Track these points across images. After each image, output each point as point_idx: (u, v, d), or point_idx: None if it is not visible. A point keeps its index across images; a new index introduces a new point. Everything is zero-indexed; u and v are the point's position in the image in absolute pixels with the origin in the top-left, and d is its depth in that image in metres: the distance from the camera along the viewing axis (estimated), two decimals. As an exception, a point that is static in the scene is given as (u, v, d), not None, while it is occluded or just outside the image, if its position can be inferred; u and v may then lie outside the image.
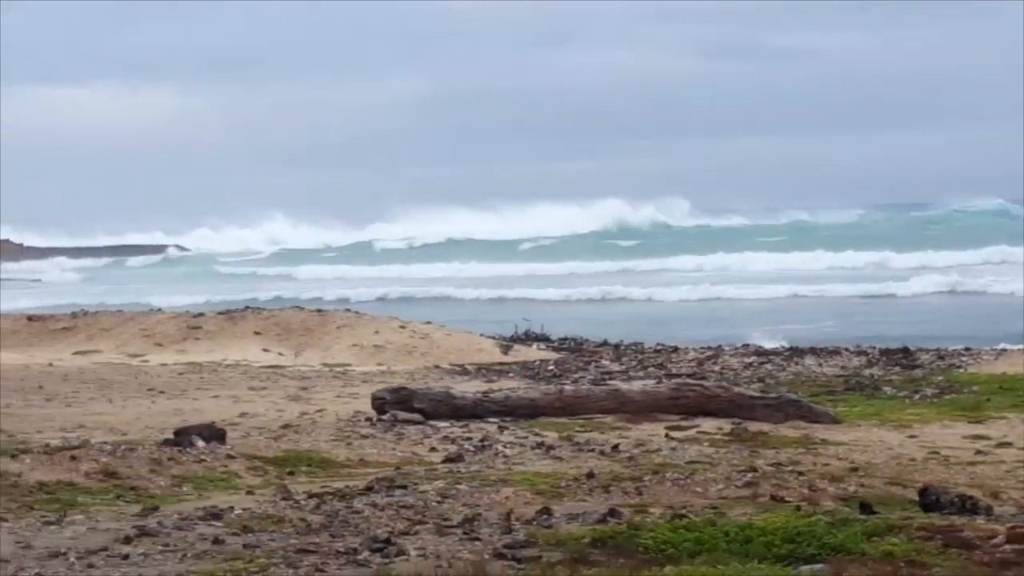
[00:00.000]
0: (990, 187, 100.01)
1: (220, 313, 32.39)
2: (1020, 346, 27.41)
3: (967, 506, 11.62)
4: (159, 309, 35.52)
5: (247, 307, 33.37)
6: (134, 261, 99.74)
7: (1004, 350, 27.32)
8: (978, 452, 15.82)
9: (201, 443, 15.30)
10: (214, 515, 11.70)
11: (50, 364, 27.57)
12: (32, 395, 22.03)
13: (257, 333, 30.29)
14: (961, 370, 25.04)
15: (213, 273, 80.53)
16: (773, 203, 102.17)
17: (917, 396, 21.55)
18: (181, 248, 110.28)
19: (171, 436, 15.61)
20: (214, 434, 15.68)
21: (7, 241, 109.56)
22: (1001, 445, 16.37)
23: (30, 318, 33.47)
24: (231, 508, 12.06)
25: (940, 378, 23.68)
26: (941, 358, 27.02)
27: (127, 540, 10.77)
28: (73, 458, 14.18)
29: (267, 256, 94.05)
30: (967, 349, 28.24)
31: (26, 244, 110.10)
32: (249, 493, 13.26)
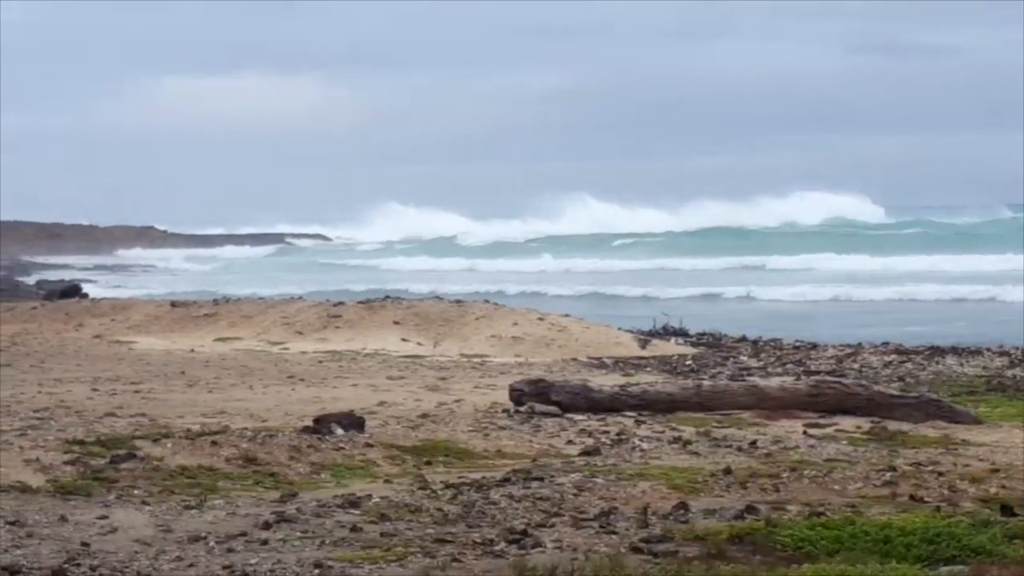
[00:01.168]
0: None
1: (360, 302, 32.65)
2: None
3: (1111, 510, 11.42)
4: (300, 297, 35.86)
5: (387, 296, 33.60)
6: (260, 250, 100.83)
7: None
8: (1124, 456, 15.52)
9: (340, 431, 15.44)
10: (352, 503, 11.83)
11: (192, 350, 27.98)
12: (174, 380, 22.38)
13: (396, 323, 30.48)
14: (1107, 371, 24.57)
15: (315, 264, 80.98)
16: (918, 201, 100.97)
17: (1061, 398, 21.17)
18: (323, 238, 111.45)
19: (310, 423, 15.78)
20: (353, 422, 15.82)
21: (152, 228, 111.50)
22: None
23: (173, 304, 33.99)
24: (369, 496, 12.18)
25: (1085, 379, 23.25)
26: (1086, 359, 26.53)
27: (266, 526, 10.92)
28: (214, 443, 14.40)
29: (381, 247, 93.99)
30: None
31: (170, 231, 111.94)
32: (387, 482, 13.38)
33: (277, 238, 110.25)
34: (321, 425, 15.56)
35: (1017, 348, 28.16)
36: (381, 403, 19.51)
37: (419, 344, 29.14)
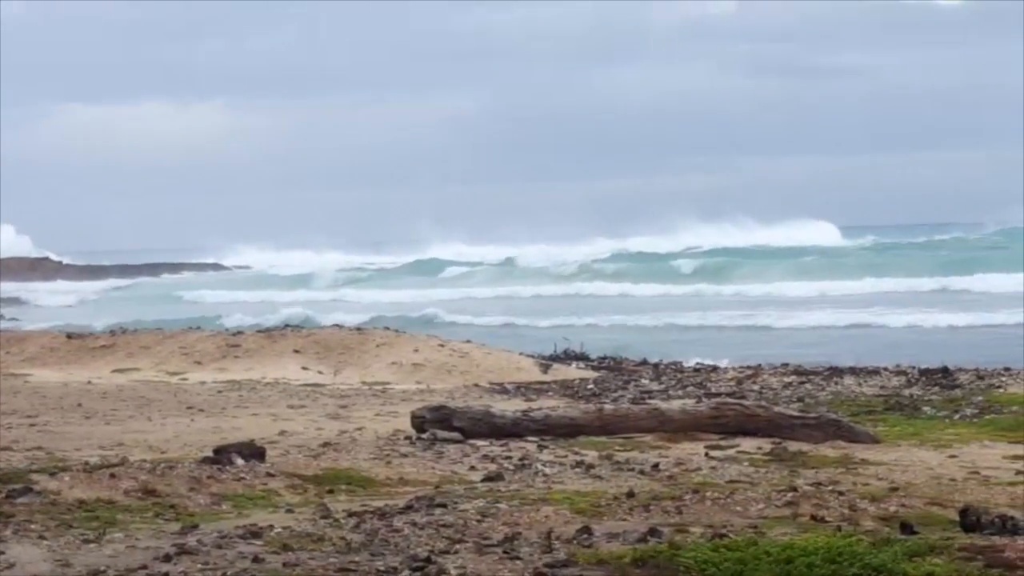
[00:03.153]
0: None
1: (259, 331, 32.49)
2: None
3: (1008, 526, 11.54)
4: (198, 327, 35.63)
5: (286, 325, 33.44)
6: (160, 279, 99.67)
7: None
8: (1018, 472, 15.71)
9: (240, 461, 15.31)
10: (254, 533, 11.72)
11: (89, 382, 27.68)
12: (71, 413, 22.11)
13: (296, 351, 30.35)
14: (1001, 390, 24.89)
15: (166, 296, 79.21)
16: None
17: (957, 416, 21.45)
18: (219, 267, 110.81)
19: (210, 454, 15.63)
20: (253, 452, 15.69)
21: (47, 259, 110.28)
22: (1042, 465, 16.27)
23: (69, 336, 33.64)
24: (271, 526, 12.07)
25: (980, 398, 23.55)
26: (980, 378, 26.87)
27: (167, 558, 10.79)
28: (112, 476, 14.22)
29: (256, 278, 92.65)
30: (1007, 369, 28.08)
31: (65, 262, 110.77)
32: (289, 511, 13.28)
33: (174, 268, 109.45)
34: (221, 456, 15.41)
35: (914, 367, 28.49)
36: (282, 432, 19.38)
37: (319, 372, 29.02)
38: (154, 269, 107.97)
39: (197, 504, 13.64)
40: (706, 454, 17.17)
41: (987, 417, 21.16)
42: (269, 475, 14.88)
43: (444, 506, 12.99)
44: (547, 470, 15.85)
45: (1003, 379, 26.48)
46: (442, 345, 30.58)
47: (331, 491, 14.52)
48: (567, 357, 32.64)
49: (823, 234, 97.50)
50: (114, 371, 29.53)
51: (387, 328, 32.91)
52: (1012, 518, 11.78)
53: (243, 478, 14.64)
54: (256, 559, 10.68)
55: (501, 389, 26.84)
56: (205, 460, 15.34)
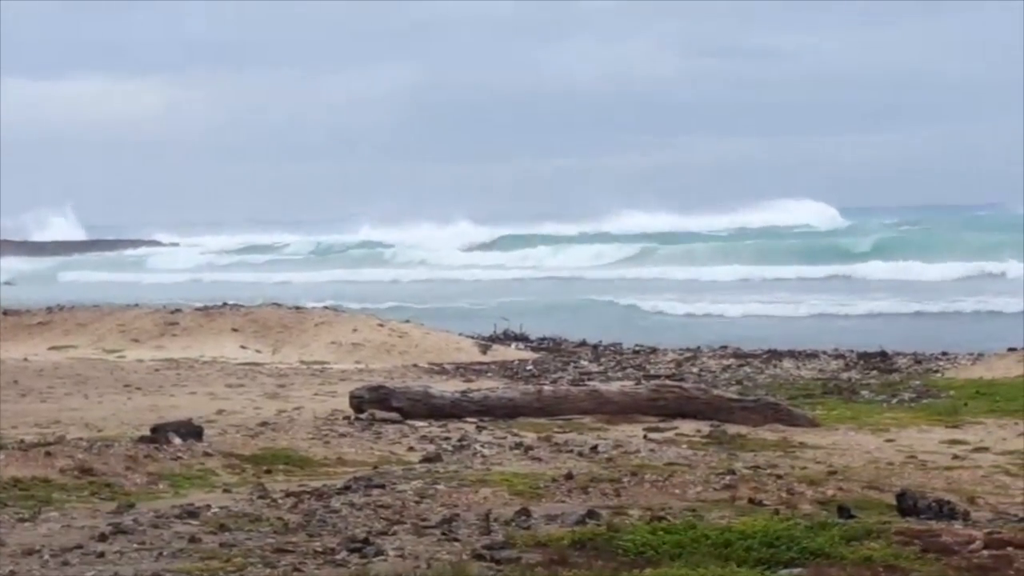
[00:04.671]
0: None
1: (197, 309, 32.29)
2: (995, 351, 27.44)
3: (944, 511, 11.60)
4: (136, 304, 35.41)
5: (225, 303, 33.26)
6: (96, 257, 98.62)
7: (981, 355, 27.35)
8: (955, 457, 15.82)
9: (178, 440, 15.22)
10: (190, 513, 11.64)
11: (25, 359, 27.46)
12: (6, 390, 21.92)
13: (235, 330, 30.20)
14: (938, 375, 25.08)
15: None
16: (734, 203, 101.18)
17: (895, 400, 21.58)
18: (157, 243, 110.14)
19: (147, 433, 15.54)
20: (191, 431, 15.60)
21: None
22: (978, 450, 16.38)
23: (5, 312, 33.34)
24: (208, 506, 12.00)
25: (917, 382, 23.72)
26: (918, 362, 27.07)
27: (102, 538, 10.70)
28: (48, 454, 14.10)
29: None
30: (944, 354, 28.28)
31: (4, 238, 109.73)
32: (226, 491, 13.20)
33: (110, 245, 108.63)
34: (158, 434, 15.32)
35: (852, 351, 28.64)
36: (220, 411, 19.29)
37: (258, 351, 28.90)
38: (90, 247, 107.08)
39: (134, 483, 13.55)
40: (645, 436, 17.19)
41: (924, 401, 21.31)
42: (206, 454, 14.80)
43: (382, 487, 12.94)
44: (486, 451, 15.83)
45: (940, 364, 26.67)
46: (381, 325, 30.51)
47: (269, 471, 14.45)
48: (507, 338, 32.63)
49: (773, 216, 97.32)
50: (51, 348, 29.31)
51: (327, 307, 32.79)
52: (949, 502, 11.85)
53: (180, 457, 14.55)
54: (193, 539, 10.61)
55: (440, 369, 26.80)
56: (142, 439, 15.24)
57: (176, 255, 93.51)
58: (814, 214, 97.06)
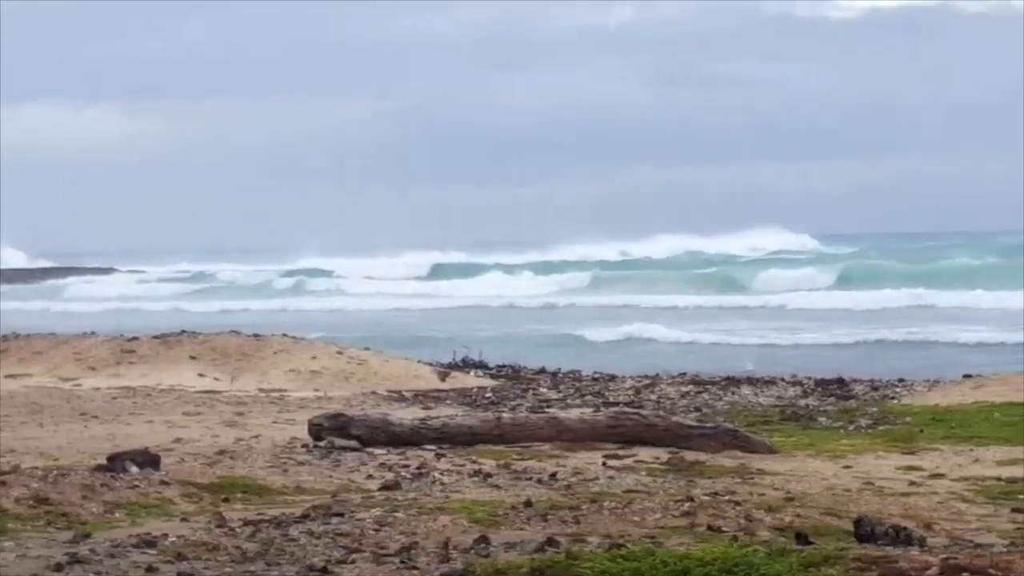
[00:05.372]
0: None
1: (155, 337, 32.14)
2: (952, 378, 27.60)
3: (901, 537, 11.65)
4: (93, 332, 35.22)
5: (183, 331, 33.12)
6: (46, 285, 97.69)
7: (937, 382, 27.51)
8: (911, 483, 15.89)
9: (135, 469, 15.15)
10: (147, 542, 11.59)
11: (-20, 388, 27.27)
12: (-37, 419, 21.77)
13: (193, 358, 30.09)
14: (895, 401, 25.20)
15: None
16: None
17: (852, 427, 21.67)
18: (111, 270, 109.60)
19: (104, 462, 15.45)
20: (148, 460, 15.53)
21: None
22: (934, 476, 16.46)
23: (-40, 340, 33.12)
24: (165, 535, 11.95)
25: (874, 409, 23.82)
26: (875, 389, 27.19)
27: (58, 568, 10.64)
28: (3, 484, 14.01)
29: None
30: (900, 380, 28.42)
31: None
32: (183, 520, 13.14)
33: (62, 272, 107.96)
34: (115, 463, 15.24)
35: (810, 378, 28.75)
36: (177, 440, 19.21)
37: (216, 379, 28.79)
38: (44, 274, 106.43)
39: (90, 512, 13.47)
40: (604, 463, 17.20)
41: (881, 428, 21.41)
42: (164, 483, 14.73)
43: (341, 515, 12.91)
44: (445, 479, 15.82)
45: (897, 390, 26.79)
46: (340, 352, 30.46)
47: (227, 499, 14.39)
48: (465, 365, 32.60)
49: (724, 245, 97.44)
50: (6, 376, 29.12)
51: (285, 335, 32.71)
52: (905, 529, 11.90)
53: (137, 486, 14.48)
54: (150, 568, 10.57)
55: (399, 397, 26.77)
56: (98, 468, 15.16)
57: (106, 283, 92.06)
58: (781, 242, 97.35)
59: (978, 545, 11.94)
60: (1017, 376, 25.52)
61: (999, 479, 16.14)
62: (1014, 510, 13.94)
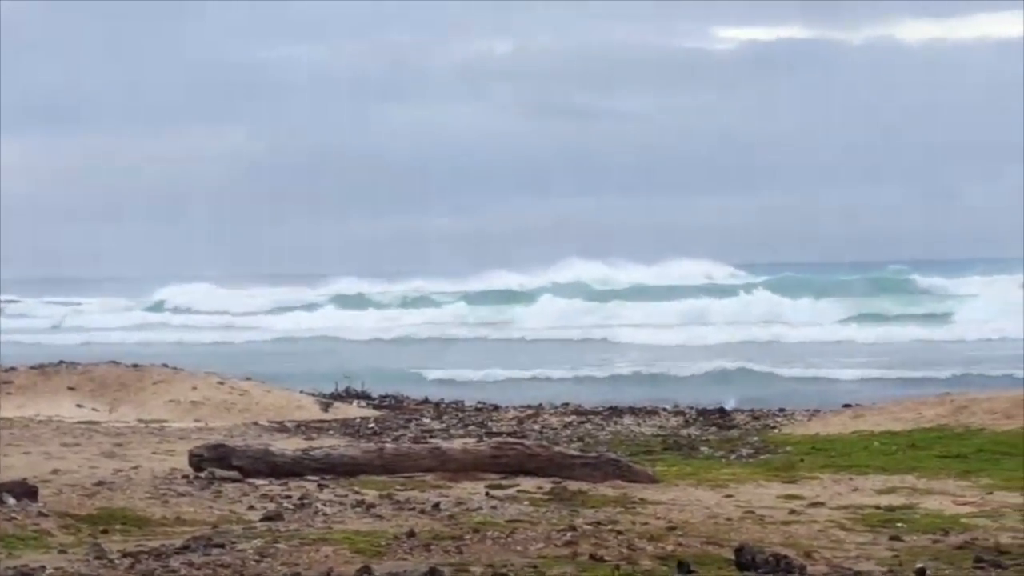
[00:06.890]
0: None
1: (32, 368, 31.71)
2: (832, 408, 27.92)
3: (781, 565, 11.77)
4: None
5: (61, 361, 32.70)
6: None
7: (817, 411, 27.81)
8: (792, 512, 16.03)
9: (11, 500, 14.94)
10: (24, 575, 11.44)
11: None
12: None
13: (71, 388, 29.72)
14: (776, 431, 25.42)
15: None
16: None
17: (733, 456, 21.83)
18: None
19: (-20, 493, 15.22)
20: (25, 491, 15.32)
21: None
22: (813, 505, 16.61)
23: None
24: (42, 568, 11.80)
25: (755, 438, 24.01)
26: (756, 419, 27.41)
27: (-67, 601, 10.48)
28: None
29: None
30: (781, 410, 28.70)
31: None
32: (61, 552, 12.98)
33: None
34: (-9, 495, 15.02)
35: (692, 408, 28.96)
36: (55, 471, 18.95)
37: (95, 410, 28.45)
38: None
39: (-35, 545, 13.26)
40: (487, 493, 17.20)
41: (762, 457, 21.59)
42: (41, 515, 14.54)
43: (222, 546, 12.82)
44: (327, 509, 15.74)
45: (778, 420, 27.04)
46: (221, 383, 30.22)
47: (105, 531, 14.23)
48: (348, 396, 32.48)
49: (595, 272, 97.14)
50: None
51: (165, 365, 32.40)
52: (786, 557, 12.02)
53: (14, 518, 14.28)
54: (27, 601, 10.43)
55: (281, 427, 26.61)
56: (-26, 499, 14.93)
57: None
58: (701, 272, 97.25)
59: (857, 573, 12.10)
60: (895, 405, 25.87)
61: (878, 507, 16.34)
62: (892, 538, 14.11)
